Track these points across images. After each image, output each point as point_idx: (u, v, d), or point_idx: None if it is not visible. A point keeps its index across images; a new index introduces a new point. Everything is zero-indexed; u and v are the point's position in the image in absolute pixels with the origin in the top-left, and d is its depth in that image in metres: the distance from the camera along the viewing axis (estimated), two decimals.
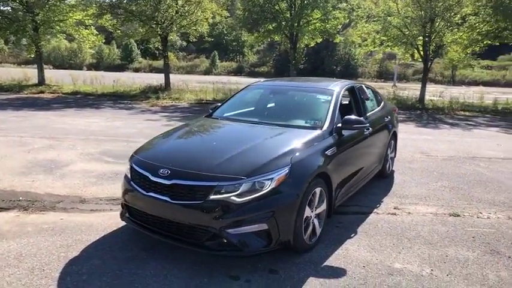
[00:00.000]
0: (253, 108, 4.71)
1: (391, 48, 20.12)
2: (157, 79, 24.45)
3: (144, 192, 3.19)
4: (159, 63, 50.31)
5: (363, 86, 5.14)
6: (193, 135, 4.02)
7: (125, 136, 8.46)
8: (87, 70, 30.55)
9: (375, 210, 4.56)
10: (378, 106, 5.49)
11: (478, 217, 4.45)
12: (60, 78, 21.64)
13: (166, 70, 19.52)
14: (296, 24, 17.86)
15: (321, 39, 19.97)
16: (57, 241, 3.57)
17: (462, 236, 3.92)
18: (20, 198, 4.67)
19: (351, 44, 39.63)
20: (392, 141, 5.85)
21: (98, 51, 48.75)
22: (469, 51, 19.65)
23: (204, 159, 3.27)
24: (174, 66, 44.86)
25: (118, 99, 16.59)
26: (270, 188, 2.98)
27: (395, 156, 6.25)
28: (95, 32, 20.90)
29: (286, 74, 41.75)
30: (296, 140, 3.54)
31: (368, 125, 4.17)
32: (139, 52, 52.45)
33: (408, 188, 5.41)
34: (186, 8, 17.78)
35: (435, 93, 20.28)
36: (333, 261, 3.36)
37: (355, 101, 4.76)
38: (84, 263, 3.21)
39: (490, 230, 4.10)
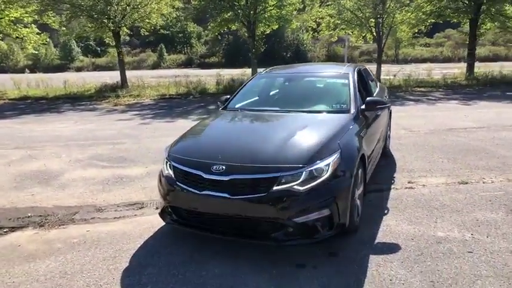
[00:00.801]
0: (271, 97, 4.69)
1: (345, 32, 20.77)
2: (110, 77, 23.38)
3: (198, 192, 3.09)
4: (103, 60, 47.89)
5: (366, 68, 5.30)
6: (228, 129, 3.93)
7: (106, 139, 8.03)
8: (30, 73, 28.29)
9: (393, 186, 4.77)
10: (376, 86, 5.70)
11: (483, 182, 4.81)
12: None
13: (121, 67, 18.65)
14: (253, 12, 17.78)
15: (277, 26, 20.07)
16: (97, 254, 3.36)
17: (480, 201, 4.23)
18: (29, 214, 4.30)
19: (301, 29, 40.35)
20: (390, 120, 6.12)
21: (34, 52, 45.23)
22: (416, 30, 20.83)
23: (257, 151, 3.23)
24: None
25: (75, 101, 15.62)
26: (328, 174, 3.01)
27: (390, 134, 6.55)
28: (37, 30, 19.33)
29: (237, 63, 41.71)
30: (334, 125, 3.59)
31: (389, 104, 4.33)
32: (79, 50, 49.42)
33: (410, 162, 5.71)
34: (138, 0, 16.99)
35: (385, 72, 21.29)
36: (382, 237, 3.49)
37: (362, 82, 4.89)
38: (139, 272, 3.06)
39: (499, 192, 4.46)
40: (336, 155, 3.14)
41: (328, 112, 4.00)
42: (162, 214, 3.53)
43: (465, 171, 5.24)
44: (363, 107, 4.10)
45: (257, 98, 4.70)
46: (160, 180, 3.52)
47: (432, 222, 3.77)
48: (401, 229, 3.64)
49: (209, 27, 19.77)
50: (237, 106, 4.52)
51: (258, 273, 2.97)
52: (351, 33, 21.02)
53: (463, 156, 5.92)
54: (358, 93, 4.23)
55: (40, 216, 4.26)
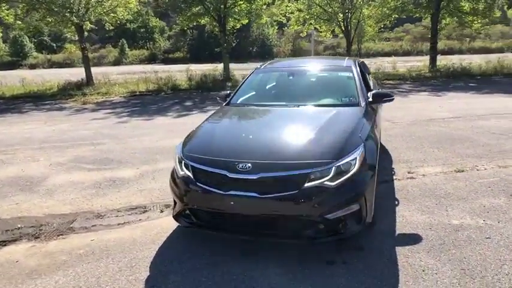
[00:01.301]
0: (277, 92, 4.57)
1: (313, 26, 20.98)
2: (70, 74, 22.28)
3: (222, 192, 2.94)
4: (60, 57, 45.58)
5: (363, 61, 5.32)
6: (244, 125, 3.78)
7: (84, 139, 7.59)
8: None
9: (395, 177, 4.84)
10: (370, 79, 5.75)
11: (477, 170, 4.99)
12: None
13: (86, 63, 17.75)
14: (223, 6, 17.51)
15: (247, 21, 19.91)
16: (110, 265, 3.13)
17: (480, 188, 4.38)
18: (19, 225, 3.95)
19: (265, 24, 40.36)
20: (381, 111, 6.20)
21: None
22: (382, 25, 21.42)
23: (283, 147, 3.12)
24: (79, 58, 40.96)
25: (36, 100, 14.68)
26: (355, 168, 2.97)
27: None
28: None
29: (203, 58, 41.10)
30: (351, 118, 3.56)
31: (394, 97, 4.35)
32: (32, 46, 46.66)
33: (404, 153, 5.82)
34: None
35: None
36: (401, 228, 3.51)
37: (362, 75, 4.90)
38: (164, 282, 2.88)
39: (495, 179, 4.64)
40: (360, 148, 3.10)
41: (340, 106, 3.97)
42: (178, 217, 3.34)
43: (457, 160, 5.41)
44: (370, 99, 4.10)
45: (261, 92, 4.58)
46: (174, 182, 3.32)
47: (443, 210, 3.84)
48: (417, 219, 3.68)
49: (177, 21, 19.24)
50: (241, 101, 4.38)
51: (291, 274, 2.88)
52: (319, 27, 21.27)
53: (450, 145, 6.12)
54: (363, 86, 4.23)
55: (32, 227, 3.92)
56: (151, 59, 45.35)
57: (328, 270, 2.91)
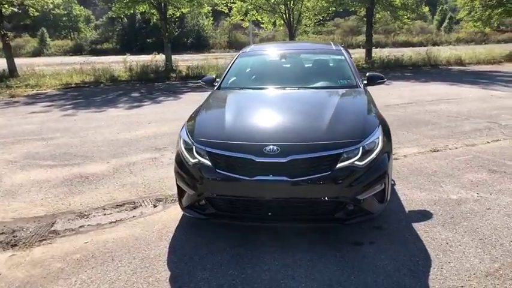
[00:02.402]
0: (272, 75, 4.36)
1: (255, 18, 20.95)
2: None
3: (248, 178, 2.73)
4: None
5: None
6: (256, 107, 3.54)
7: (29, 134, 6.73)
8: None
9: None
10: None
11: (450, 149, 5.32)
12: None
13: (8, 53, 15.82)
14: None
15: (188, 9, 19.22)
16: (121, 268, 2.76)
17: (460, 165, 4.66)
18: None
19: (200, 15, 39.52)
20: None
21: None
22: (320, 18, 22.09)
23: (309, 128, 2.98)
24: None
25: None
26: (379, 148, 2.94)
27: None
28: None
29: (134, 49, 39.02)
30: (359, 99, 3.54)
31: (386, 79, 4.42)
32: None
33: None
34: None
35: None
36: (408, 206, 3.59)
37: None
38: (192, 279, 2.61)
39: (469, 156, 4.98)
40: (379, 128, 3.08)
41: (341, 87, 3.92)
42: (190, 209, 3.06)
43: (428, 141, 5.72)
44: (365, 82, 4.12)
45: (255, 76, 4.36)
46: (184, 171, 3.01)
47: (438, 187, 4.01)
48: (418, 196, 3.79)
49: (113, 8, 17.93)
50: (234, 85, 4.14)
51: (324, 258, 2.78)
52: (261, 19, 21.30)
53: (416, 128, 6.47)
54: (356, 68, 4.24)
55: (2, 233, 3.34)
56: (77, 50, 42.01)
57: (359, 252, 2.86)
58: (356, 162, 2.78)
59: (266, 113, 3.37)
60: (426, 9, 21.41)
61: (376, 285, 2.49)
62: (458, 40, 39.48)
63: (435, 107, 8.23)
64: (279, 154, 2.72)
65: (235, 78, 4.30)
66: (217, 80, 4.47)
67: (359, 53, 22.51)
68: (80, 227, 3.41)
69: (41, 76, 15.53)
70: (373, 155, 2.87)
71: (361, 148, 2.83)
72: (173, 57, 18.80)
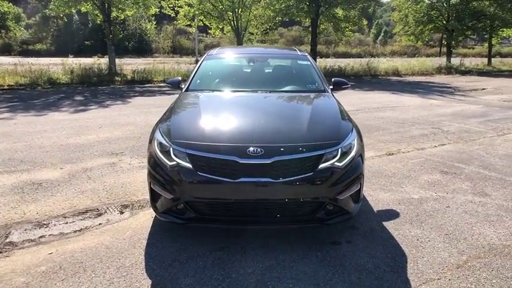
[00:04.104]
0: (241, 78, 4.31)
1: (203, 23, 20.83)
2: None
3: (231, 180, 2.68)
4: None
5: None
6: (232, 109, 3.47)
7: None
8: None
9: None
10: None
11: (403, 152, 5.67)
12: None
13: None
14: None
15: (132, 12, 18.58)
16: (95, 278, 2.56)
17: (415, 167, 4.98)
18: None
19: (143, 18, 38.37)
20: None
21: None
22: (267, 26, 22.53)
23: (290, 129, 3.01)
24: None
25: None
26: (355, 149, 3.04)
27: None
28: None
29: (71, 51, 36.74)
30: (331, 103, 3.64)
31: (349, 84, 4.59)
32: None
33: None
34: None
35: None
36: (376, 206, 3.76)
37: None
38: (175, 286, 2.48)
39: (420, 159, 5.34)
40: (354, 130, 3.19)
41: (311, 91, 4.01)
42: (166, 215, 2.93)
43: (382, 145, 6.05)
44: (331, 86, 4.26)
45: (223, 78, 4.30)
46: (161, 175, 2.88)
47: (399, 187, 4.25)
48: (383, 197, 3.98)
49: (51, 5, 16.77)
50: (203, 87, 4.06)
51: (306, 259, 2.81)
52: (209, 24, 21.23)
53: (369, 133, 6.80)
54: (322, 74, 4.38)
55: None
56: (4, 50, 38.60)
57: (339, 251, 2.93)
58: (336, 163, 2.86)
59: (245, 114, 3.35)
60: (365, 22, 22.71)
61: (361, 281, 2.56)
62: (393, 52, 42.50)
63: (382, 114, 8.74)
64: (263, 155, 2.70)
65: (203, 80, 4.22)
66: (183, 82, 4.35)
67: None
68: (41, 237, 3.11)
69: None
70: (350, 157, 2.97)
71: (340, 149, 2.91)
72: (116, 60, 18.03)
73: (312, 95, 3.91)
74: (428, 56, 38.54)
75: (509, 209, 3.72)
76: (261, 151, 2.72)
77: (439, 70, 21.67)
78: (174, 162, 2.84)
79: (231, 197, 2.76)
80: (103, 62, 17.57)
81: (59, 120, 7.79)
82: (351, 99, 11.17)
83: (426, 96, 11.90)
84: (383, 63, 21.56)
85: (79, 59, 22.40)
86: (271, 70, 4.55)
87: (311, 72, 4.34)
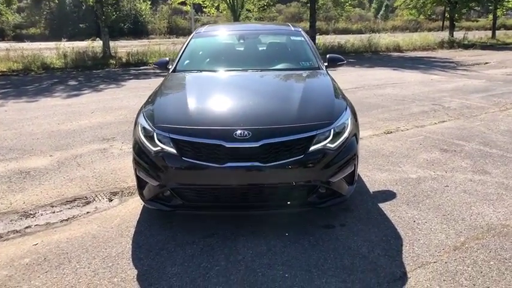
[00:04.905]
0: (231, 56, 4.14)
1: (198, 1, 20.33)
2: None
3: (218, 165, 2.56)
4: None
5: None
6: (220, 90, 3.33)
7: None
8: None
9: None
10: None
11: (402, 130, 5.53)
12: None
13: None
14: None
15: None
16: (80, 269, 2.48)
17: (414, 145, 4.85)
18: None
19: None
20: None
21: None
22: (265, 3, 22.02)
23: (279, 110, 2.87)
24: None
25: None
26: (348, 129, 2.91)
27: None
28: None
29: (66, 34, 36.12)
30: (325, 81, 3.49)
31: (345, 60, 4.41)
32: None
33: None
34: None
35: None
36: (372, 187, 3.65)
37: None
38: (162, 275, 2.41)
39: (420, 137, 5.20)
40: (348, 109, 3.05)
41: (304, 69, 3.84)
42: (153, 202, 2.83)
43: (381, 123, 5.90)
44: (326, 63, 4.09)
45: (212, 57, 4.13)
46: (145, 161, 2.76)
47: (397, 167, 4.13)
48: (380, 177, 3.87)
49: None
50: (191, 67, 3.90)
51: (298, 244, 2.72)
52: (202, 2, 20.74)
53: (368, 111, 6.64)
54: (316, 50, 4.19)
55: None
56: None
57: (332, 235, 2.84)
58: (328, 145, 2.73)
59: (233, 96, 3.20)
60: None
61: (354, 266, 2.47)
62: (394, 28, 41.57)
63: (382, 91, 8.54)
64: (251, 139, 2.58)
65: (191, 60, 4.06)
66: (171, 62, 4.19)
67: None
68: (26, 227, 3.03)
69: None
70: (343, 137, 2.84)
71: (332, 130, 2.77)
72: (111, 43, 17.69)
73: (305, 72, 3.75)
74: (430, 30, 37.72)
75: (510, 187, 3.60)
76: (249, 134, 2.59)
77: (441, 45, 21.20)
78: (158, 148, 2.72)
79: (218, 182, 2.65)
80: (98, 45, 17.27)
81: (51, 106, 7.64)
82: (350, 77, 10.94)
83: (427, 72, 11.64)
84: (384, 39, 21.08)
85: (73, 42, 22.09)
86: (262, 47, 4.37)
87: (305, 48, 4.16)
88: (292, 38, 4.37)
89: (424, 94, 8.10)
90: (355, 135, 3.03)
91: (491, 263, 2.48)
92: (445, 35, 24.14)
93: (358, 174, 3.88)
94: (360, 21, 45.48)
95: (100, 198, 3.53)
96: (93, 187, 3.76)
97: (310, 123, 2.72)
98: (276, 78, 3.66)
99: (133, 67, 14.82)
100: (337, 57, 4.17)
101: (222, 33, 4.65)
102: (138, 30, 40.96)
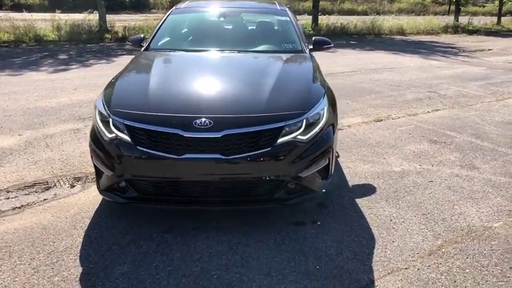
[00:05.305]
0: (208, 35, 3.85)
1: None
2: None
3: (175, 156, 2.33)
4: None
5: None
6: (185, 73, 3.06)
7: None
8: None
9: None
10: None
11: (393, 118, 5.27)
12: None
13: None
14: None
15: None
16: (19, 266, 2.29)
17: (403, 135, 4.60)
18: None
19: None
20: None
21: None
22: None
23: (246, 98, 2.61)
24: None
25: None
26: (324, 119, 2.66)
27: None
28: None
29: (66, 6, 35.36)
30: (304, 66, 3.22)
31: (332, 44, 4.12)
32: None
33: None
34: None
35: None
36: (352, 180, 3.43)
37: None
38: (108, 276, 2.22)
39: (410, 126, 4.95)
40: (325, 98, 2.79)
41: (284, 52, 3.56)
42: (108, 192, 2.61)
43: (372, 110, 5.63)
44: (311, 46, 3.81)
45: (187, 35, 3.85)
46: (100, 148, 2.54)
47: (382, 158, 3.90)
48: (362, 169, 3.65)
49: None
50: (164, 46, 3.62)
51: (262, 243, 2.52)
52: None
53: (360, 97, 6.36)
54: (301, 31, 3.90)
55: None
56: None
57: (301, 233, 2.64)
58: (299, 137, 2.49)
59: (198, 80, 2.93)
60: None
61: (318, 271, 2.27)
62: (400, 10, 40.52)
63: (378, 76, 8.22)
64: (212, 128, 2.33)
65: (166, 38, 3.77)
66: (146, 40, 3.90)
67: (305, 20, 22.20)
68: None
69: None
70: (317, 128, 2.59)
71: (304, 121, 2.52)
72: (110, 17, 17.17)
73: (286, 56, 3.47)
74: (436, 14, 36.72)
75: (497, 184, 3.39)
76: (210, 123, 2.34)
77: (445, 29, 20.59)
78: (113, 135, 2.48)
79: (176, 175, 2.42)
80: (94, 18, 16.77)
81: (34, 80, 7.35)
82: (349, 60, 10.58)
83: (428, 57, 11.24)
84: (388, 22, 20.47)
85: (71, 14, 21.51)
86: (244, 27, 4.06)
87: (289, 29, 3.87)
88: (277, 17, 4.06)
89: (422, 80, 7.78)
90: (332, 125, 2.79)
91: (467, 271, 2.29)
92: (450, 19, 23.45)
93: (339, 165, 3.68)
94: (366, 2, 44.33)
95: (62, 183, 3.32)
96: (57, 171, 3.55)
97: (279, 113, 2.47)
98: (252, 61, 3.38)
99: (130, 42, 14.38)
100: (324, 39, 3.89)
101: (202, 10, 4.32)
102: (140, 4, 39.95)
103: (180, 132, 2.32)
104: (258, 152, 2.37)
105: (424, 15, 33.41)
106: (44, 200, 3.06)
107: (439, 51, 12.81)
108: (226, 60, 3.37)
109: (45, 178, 3.41)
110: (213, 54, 3.49)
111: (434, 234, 2.65)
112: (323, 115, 2.66)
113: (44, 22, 16.08)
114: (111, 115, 2.51)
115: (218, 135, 2.32)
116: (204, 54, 3.49)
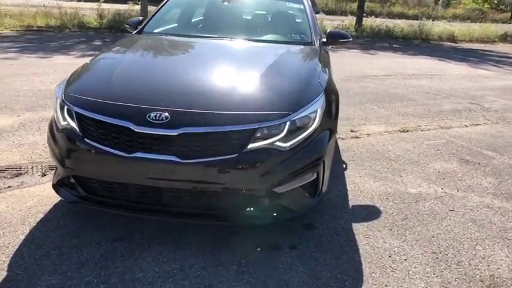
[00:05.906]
0: (208, 20, 3.51)
1: None
2: None
3: (124, 154, 1.96)
4: None
5: None
6: (156, 60, 2.71)
7: None
8: None
9: (337, 135, 4.23)
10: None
11: (422, 130, 4.62)
12: None
13: None
14: None
15: None
16: None
17: (429, 150, 3.98)
18: None
19: None
20: None
21: None
22: None
23: (218, 91, 2.19)
24: None
25: None
26: (315, 124, 2.18)
27: None
28: None
29: None
30: (306, 60, 2.77)
31: (351, 38, 3.60)
32: None
33: (343, 110, 5.22)
34: None
35: None
36: (354, 199, 2.90)
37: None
38: (29, 285, 1.88)
39: (441, 141, 4.29)
40: (321, 98, 2.30)
41: (289, 43, 3.11)
42: (59, 188, 2.29)
43: (399, 119, 5.00)
44: (324, 39, 3.32)
45: (186, 20, 3.50)
46: (53, 136, 2.24)
47: (397, 176, 3.33)
48: (370, 187, 3.10)
49: None
50: (158, 30, 3.27)
51: (222, 267, 2.09)
52: None
53: (389, 103, 5.73)
54: (316, 22, 3.41)
55: None
56: None
57: (272, 260, 2.17)
58: (278, 143, 2.03)
59: (171, 69, 2.54)
60: None
61: None
62: (455, 16, 38.10)
63: (416, 82, 7.47)
64: (168, 124, 1.93)
65: (162, 21, 3.45)
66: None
67: (349, 20, 21.29)
68: None
69: (1, 16, 14.09)
70: (304, 134, 2.12)
71: (288, 124, 2.06)
72: (152, 7, 17.31)
73: (289, 47, 3.00)
74: (495, 21, 34.20)
75: None
76: (167, 118, 1.94)
77: (503, 38, 18.94)
78: (65, 123, 2.16)
79: (124, 177, 2.05)
80: (138, 8, 17.00)
81: (58, 63, 7.36)
82: (387, 63, 9.84)
83: (477, 66, 10.21)
84: (438, 27, 19.14)
85: (115, 5, 22.05)
86: (250, 13, 3.64)
87: (301, 18, 3.41)
88: (290, 4, 3.61)
89: (464, 90, 6.95)
90: (329, 131, 2.31)
91: None
92: (510, 27, 21.60)
93: (344, 180, 3.17)
94: (418, 6, 42.17)
95: (34, 171, 3.07)
96: (36, 156, 3.31)
97: (254, 113, 2.02)
98: (244, 51, 2.94)
99: None
100: (340, 32, 3.39)
101: None
102: None
103: (131, 126, 1.94)
104: (221, 158, 1.94)
105: (481, 22, 31.23)
106: (9, 187, 2.81)
107: (492, 60, 11.64)
108: (217, 49, 2.96)
109: (20, 163, 3.18)
110: (205, 41, 3.11)
111: (443, 282, 2.09)
112: (314, 119, 2.18)
113: (91, 10, 16.51)
114: (65, 100, 2.19)
115: (173, 133, 1.91)
116: (196, 41, 3.11)
